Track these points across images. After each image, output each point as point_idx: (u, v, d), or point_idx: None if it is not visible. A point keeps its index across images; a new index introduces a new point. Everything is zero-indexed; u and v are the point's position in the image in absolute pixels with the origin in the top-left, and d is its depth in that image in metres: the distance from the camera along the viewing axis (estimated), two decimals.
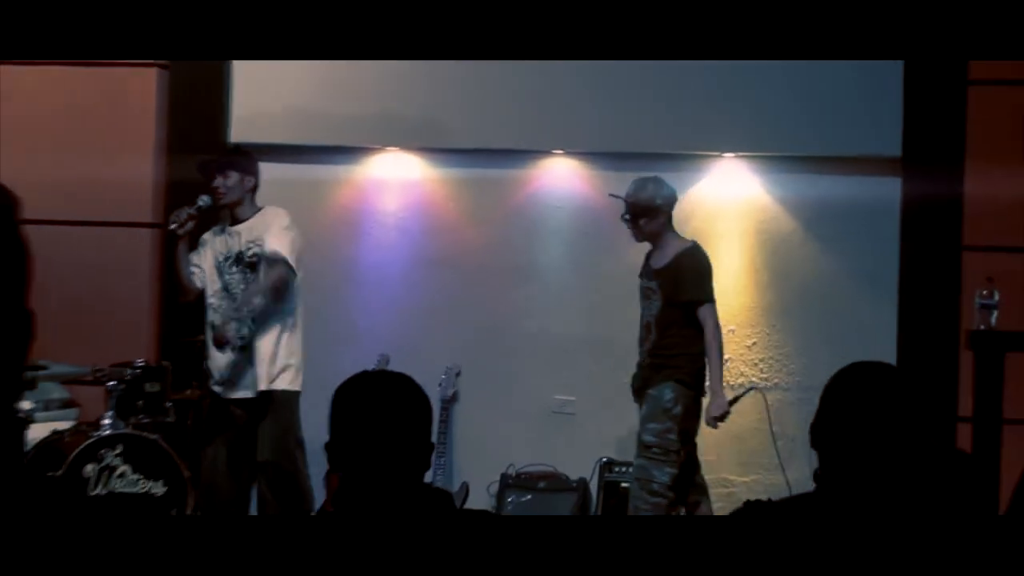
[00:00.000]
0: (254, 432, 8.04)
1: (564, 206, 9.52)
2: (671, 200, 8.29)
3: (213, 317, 8.13)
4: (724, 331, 8.53)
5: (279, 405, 8.01)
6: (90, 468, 8.17)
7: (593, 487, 9.02)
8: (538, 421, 9.41)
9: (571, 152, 9.60)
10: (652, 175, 8.36)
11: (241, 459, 8.12)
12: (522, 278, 9.59)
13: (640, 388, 8.24)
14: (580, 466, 8.87)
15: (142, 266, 9.50)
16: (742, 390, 8.56)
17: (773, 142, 9.34)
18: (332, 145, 9.75)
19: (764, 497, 3.68)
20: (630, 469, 8.77)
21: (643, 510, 8.11)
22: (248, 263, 8.04)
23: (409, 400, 3.72)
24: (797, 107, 9.24)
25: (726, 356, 9.27)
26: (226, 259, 8.10)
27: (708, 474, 9.25)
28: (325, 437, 3.72)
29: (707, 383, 8.07)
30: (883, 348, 8.58)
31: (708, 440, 9.32)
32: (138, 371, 8.62)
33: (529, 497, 9.15)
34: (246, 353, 7.99)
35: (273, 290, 7.91)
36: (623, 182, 8.69)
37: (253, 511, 8.36)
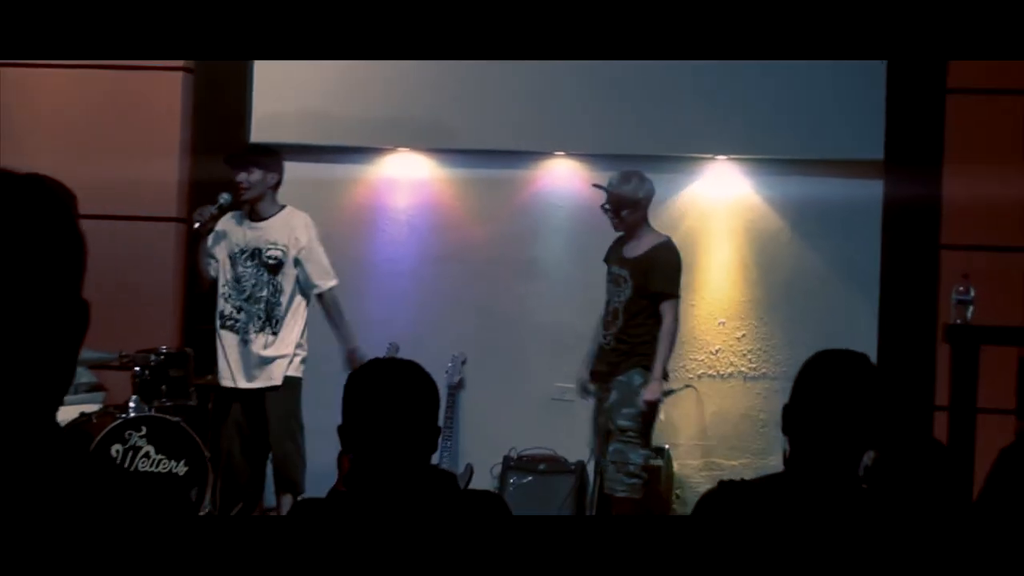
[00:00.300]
0: (263, 416, 8.02)
1: (565, 205, 9.51)
2: (651, 194, 8.34)
3: (223, 306, 8.11)
4: (715, 323, 8.57)
5: (287, 390, 8.02)
6: (116, 449, 8.18)
7: (590, 470, 9.02)
8: (539, 407, 9.41)
9: (571, 154, 9.60)
10: (634, 169, 8.37)
11: (255, 444, 8.09)
12: (525, 272, 9.59)
13: (606, 373, 8.25)
14: (578, 449, 8.86)
15: (167, 258, 9.50)
16: (680, 385, 8.57)
17: (762, 146, 9.35)
18: (347, 146, 9.75)
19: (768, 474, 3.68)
20: None
21: (620, 491, 8.16)
22: (266, 263, 7.99)
23: (417, 386, 3.72)
24: (785, 113, 9.25)
25: (717, 347, 9.29)
26: (242, 252, 8.07)
27: (700, 458, 9.29)
28: (338, 421, 3.73)
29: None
30: (864, 340, 8.57)
31: (700, 425, 9.34)
32: (162, 357, 8.62)
33: (530, 478, 9.15)
34: (259, 345, 7.98)
35: (341, 317, 8.14)
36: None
37: (269, 489, 8.37)
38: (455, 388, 9.42)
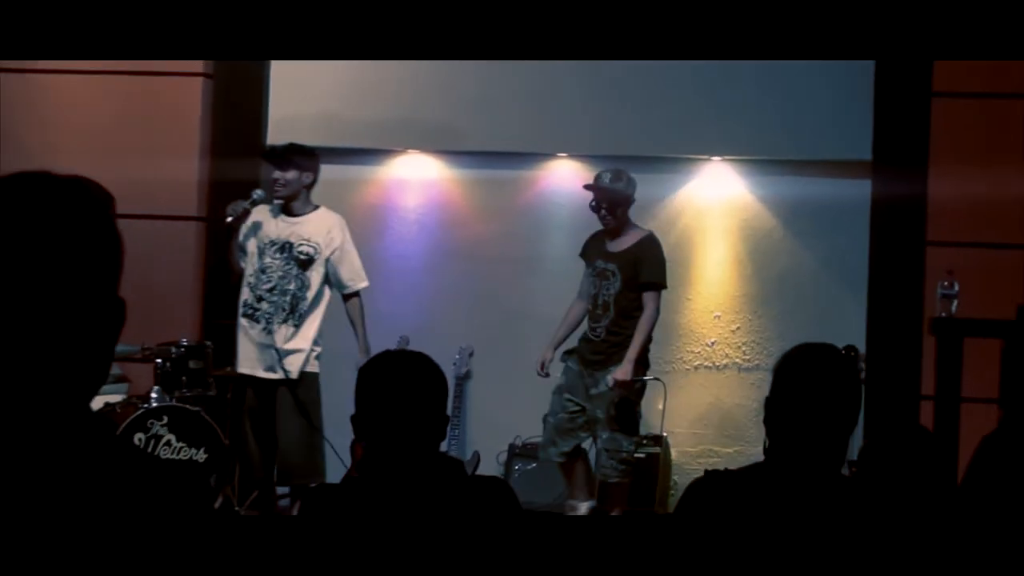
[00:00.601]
0: (275, 406, 7.96)
1: (567, 204, 9.51)
2: (635, 191, 8.38)
3: (247, 295, 8.03)
4: (711, 317, 8.58)
5: (303, 385, 7.95)
6: (139, 437, 8.19)
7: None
8: (543, 397, 9.39)
9: (574, 155, 9.61)
10: (620, 168, 8.40)
11: (268, 432, 8.01)
12: (529, 268, 9.60)
13: (597, 363, 8.27)
14: None
15: (187, 255, 9.51)
16: (650, 376, 8.58)
17: (756, 147, 9.36)
18: (359, 147, 9.76)
19: (750, 464, 3.68)
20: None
21: (613, 478, 8.22)
22: (297, 258, 7.91)
23: (427, 377, 3.72)
24: (778, 116, 9.26)
25: (712, 339, 9.29)
26: (272, 243, 7.96)
27: (696, 445, 9.29)
28: (352, 410, 3.73)
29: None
30: (853, 333, 8.57)
31: (697, 414, 9.35)
32: (182, 349, 8.63)
33: (534, 465, 9.17)
34: (280, 337, 7.93)
35: (362, 320, 8.10)
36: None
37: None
38: (462, 379, 9.42)
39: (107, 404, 8.43)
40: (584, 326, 8.46)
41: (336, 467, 8.21)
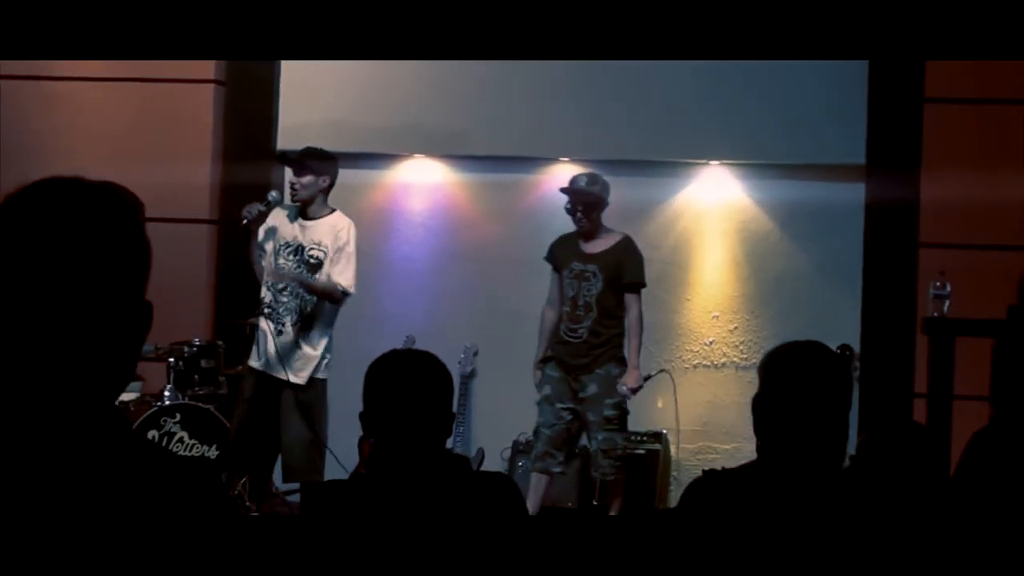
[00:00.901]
0: (278, 405, 7.94)
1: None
2: (609, 194, 8.35)
3: (264, 294, 7.96)
4: (709, 317, 8.58)
5: (310, 390, 7.90)
6: (152, 434, 8.20)
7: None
8: None
9: (576, 159, 9.60)
10: (593, 172, 8.39)
11: (265, 424, 7.94)
12: (532, 269, 9.56)
13: (581, 366, 8.20)
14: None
15: (200, 257, 9.53)
16: (655, 370, 8.58)
17: (753, 151, 9.37)
18: (366, 152, 9.75)
19: (745, 462, 3.67)
20: (627, 437, 8.83)
21: (610, 475, 8.19)
22: (307, 261, 7.87)
23: (433, 375, 3.73)
24: (774, 121, 9.26)
25: (711, 338, 9.30)
26: (286, 245, 7.90)
27: (695, 442, 9.29)
28: (360, 408, 3.74)
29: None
30: (848, 333, 8.58)
31: (696, 412, 9.35)
32: (195, 349, 8.64)
33: None
34: (290, 338, 7.89)
35: (320, 295, 7.85)
36: (621, 186, 8.71)
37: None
38: (467, 377, 9.42)
39: (121, 402, 8.40)
40: (558, 330, 8.36)
41: (334, 471, 8.17)
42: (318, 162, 7.98)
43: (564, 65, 9.09)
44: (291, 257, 7.85)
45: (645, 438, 8.98)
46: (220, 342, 8.82)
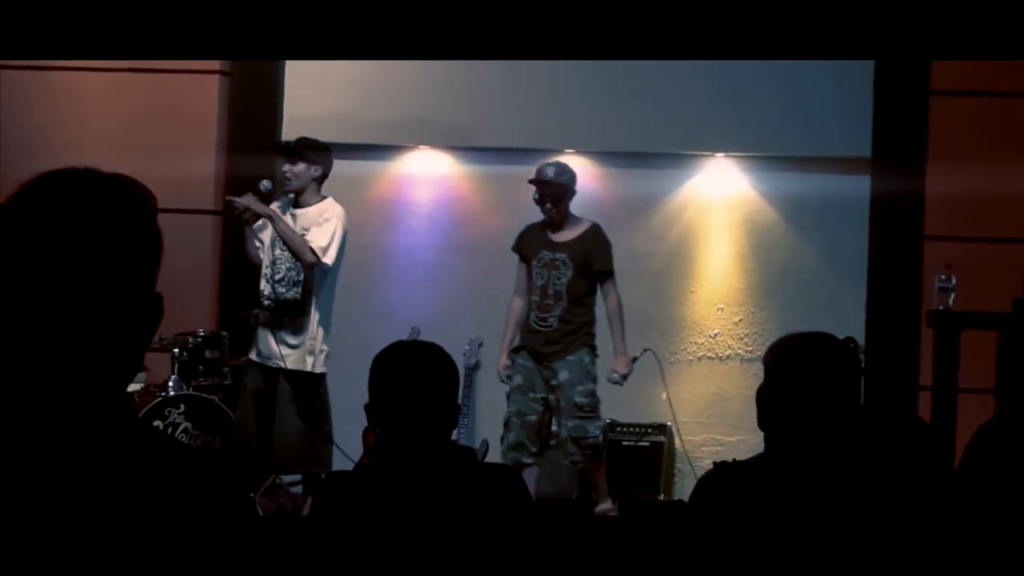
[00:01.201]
0: (275, 396, 7.93)
1: (574, 198, 9.50)
2: (575, 183, 8.37)
3: (263, 287, 7.99)
4: (714, 309, 8.57)
5: (307, 384, 7.89)
6: (156, 424, 8.19)
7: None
8: None
9: (580, 151, 9.59)
10: (560, 162, 8.39)
11: (267, 418, 7.94)
12: None
13: (552, 353, 8.21)
14: None
15: (204, 248, 9.53)
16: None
17: (759, 144, 9.37)
18: (371, 144, 9.76)
19: (749, 455, 3.67)
20: (631, 429, 8.84)
21: (580, 462, 8.24)
22: None
23: (439, 367, 3.73)
24: (780, 113, 9.26)
25: (715, 331, 9.30)
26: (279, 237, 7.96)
27: (699, 434, 9.28)
28: (365, 399, 3.73)
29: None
30: (853, 325, 8.56)
31: (700, 403, 9.35)
32: (199, 340, 8.64)
33: None
34: (286, 329, 7.88)
35: (292, 248, 7.79)
36: (626, 177, 8.74)
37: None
38: (472, 369, 9.43)
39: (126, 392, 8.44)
40: (528, 319, 8.38)
41: (340, 462, 8.18)
42: (311, 151, 8.00)
43: None
44: (286, 247, 7.84)
45: (649, 430, 8.99)
46: (224, 333, 8.83)
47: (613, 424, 9.01)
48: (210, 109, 9.63)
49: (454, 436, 3.84)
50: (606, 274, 8.24)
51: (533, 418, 8.26)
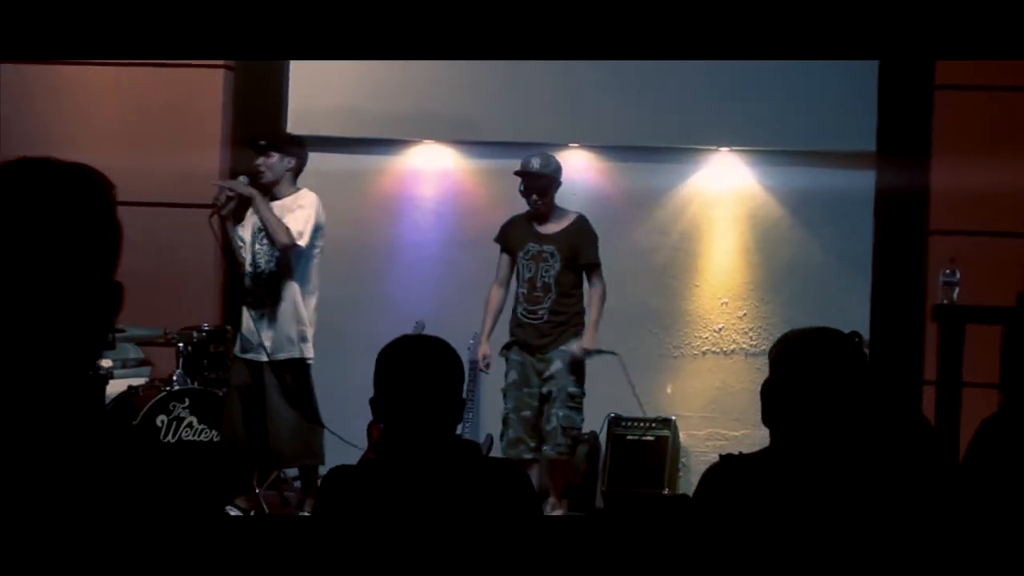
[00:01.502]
0: (263, 389, 7.94)
1: (579, 192, 9.49)
2: (561, 175, 8.44)
3: (247, 282, 8.04)
4: (718, 303, 8.57)
5: (292, 371, 7.92)
6: (161, 419, 8.21)
7: (602, 439, 9.03)
8: None
9: (586, 145, 9.60)
10: (545, 153, 8.40)
11: (256, 413, 7.93)
12: None
13: (543, 345, 8.27)
14: (591, 421, 8.86)
15: (209, 243, 9.48)
16: (608, 348, 8.59)
17: (764, 138, 9.37)
18: (376, 138, 9.77)
19: (754, 449, 3.66)
20: (635, 424, 8.84)
21: (564, 453, 8.28)
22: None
23: (445, 361, 3.73)
24: (785, 107, 9.26)
25: (720, 325, 9.30)
26: (259, 231, 7.96)
27: (705, 428, 9.28)
28: (369, 393, 3.74)
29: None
30: (858, 320, 8.56)
31: (705, 397, 9.35)
32: (204, 334, 8.65)
33: None
34: (267, 321, 7.89)
35: (268, 226, 7.82)
36: (631, 172, 8.74)
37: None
38: (476, 364, 9.41)
39: (130, 387, 8.46)
40: (515, 313, 8.44)
41: (345, 455, 8.19)
42: (284, 143, 8.06)
43: None
44: (264, 242, 7.92)
45: (654, 424, 8.99)
46: (229, 327, 8.83)
47: (617, 419, 9.02)
48: (214, 104, 9.64)
49: (459, 431, 3.83)
50: (593, 266, 8.28)
51: (528, 413, 8.29)
